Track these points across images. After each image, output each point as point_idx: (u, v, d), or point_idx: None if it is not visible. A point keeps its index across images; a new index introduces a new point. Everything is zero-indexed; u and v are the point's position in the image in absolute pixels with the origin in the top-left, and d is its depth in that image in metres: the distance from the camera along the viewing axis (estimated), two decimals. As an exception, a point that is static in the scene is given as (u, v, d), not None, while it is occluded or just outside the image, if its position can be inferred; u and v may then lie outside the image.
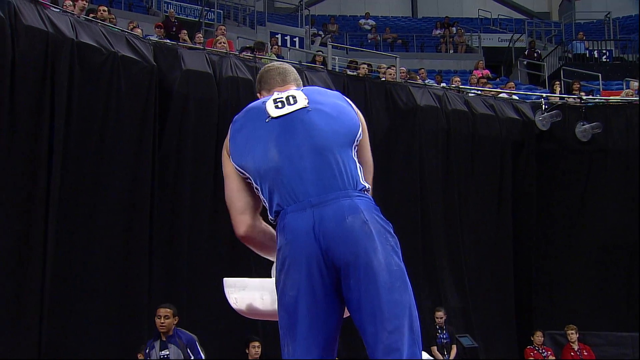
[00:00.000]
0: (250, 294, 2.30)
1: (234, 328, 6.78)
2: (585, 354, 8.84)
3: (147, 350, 5.25)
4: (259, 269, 7.07)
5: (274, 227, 2.03)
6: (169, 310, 5.24)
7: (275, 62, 2.46)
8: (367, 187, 2.00)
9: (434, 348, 8.09)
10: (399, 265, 1.90)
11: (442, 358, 8.08)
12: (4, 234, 5.98)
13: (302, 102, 2.03)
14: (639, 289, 9.39)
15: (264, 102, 2.08)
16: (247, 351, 6.76)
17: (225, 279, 2.37)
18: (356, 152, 2.04)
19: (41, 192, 6.19)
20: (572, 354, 8.81)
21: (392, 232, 1.95)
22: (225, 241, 7.15)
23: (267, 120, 2.02)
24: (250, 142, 2.01)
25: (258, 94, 2.26)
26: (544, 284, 9.79)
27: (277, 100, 2.06)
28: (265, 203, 2.02)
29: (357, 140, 2.04)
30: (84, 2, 7.73)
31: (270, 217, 2.02)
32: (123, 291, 6.74)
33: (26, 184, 6.17)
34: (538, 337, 8.84)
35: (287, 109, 2.02)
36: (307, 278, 1.88)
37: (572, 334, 8.80)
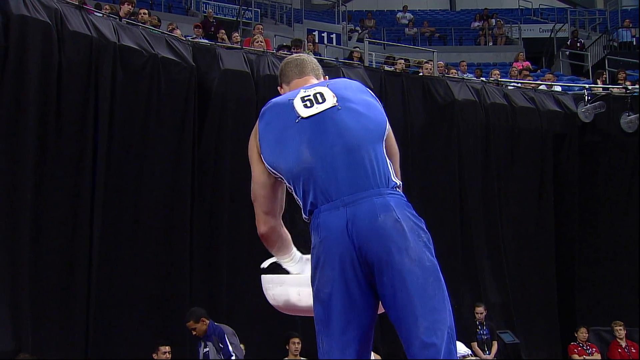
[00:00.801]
0: (288, 290, 2.35)
1: (274, 325, 6.87)
2: (634, 351, 8.63)
3: (198, 349, 5.68)
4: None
5: (302, 233, 2.08)
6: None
7: (295, 55, 2.46)
8: (398, 184, 2.02)
9: (474, 344, 8.03)
10: (432, 260, 1.92)
11: (482, 354, 8.02)
12: (51, 234, 6.21)
13: (330, 100, 2.05)
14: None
15: (291, 100, 2.08)
16: (287, 347, 6.86)
17: (263, 276, 2.43)
18: (385, 146, 2.06)
19: (86, 193, 6.40)
20: (619, 350, 8.62)
21: (424, 228, 1.97)
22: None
23: (297, 121, 2.03)
24: (281, 142, 2.04)
25: (279, 88, 2.29)
26: (587, 279, 9.59)
27: (305, 98, 2.06)
28: (299, 202, 2.06)
29: (386, 134, 2.06)
30: (130, 5, 7.92)
31: (304, 215, 2.06)
32: (165, 290, 6.91)
33: (72, 185, 6.39)
34: (582, 333, 8.67)
35: (317, 109, 2.03)
36: (341, 275, 1.92)
37: (619, 330, 8.60)
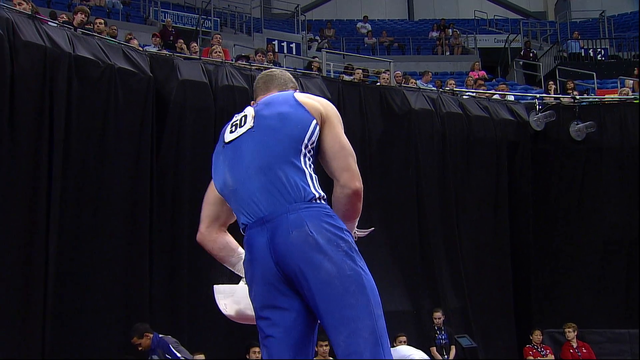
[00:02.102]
0: (238, 300, 2.40)
1: (235, 332, 6.87)
2: (584, 351, 8.92)
3: None
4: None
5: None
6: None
7: (268, 70, 2.51)
8: (317, 195, 2.04)
9: (433, 349, 8.18)
10: (354, 269, 1.95)
11: (441, 359, 8.16)
12: (6, 245, 6.08)
13: (249, 122, 2.15)
14: (637, 286, 9.46)
15: (228, 124, 2.26)
16: (247, 357, 6.86)
17: (215, 286, 2.48)
18: (311, 152, 2.08)
19: (42, 204, 6.29)
20: (571, 351, 8.89)
21: (344, 236, 1.99)
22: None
23: (223, 147, 2.20)
24: (215, 167, 2.23)
25: (251, 103, 2.35)
26: (543, 283, 9.87)
27: (234, 123, 2.22)
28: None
29: (308, 140, 2.07)
30: (83, 15, 7.84)
31: (242, 232, 2.17)
32: (125, 300, 6.84)
33: (27, 196, 6.27)
34: (537, 335, 8.93)
35: (237, 133, 2.16)
36: (268, 290, 2.02)
37: (570, 332, 8.88)
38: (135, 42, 8.60)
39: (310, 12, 20.48)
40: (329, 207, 2.06)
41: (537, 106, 10.14)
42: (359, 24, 19.55)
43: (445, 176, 9.36)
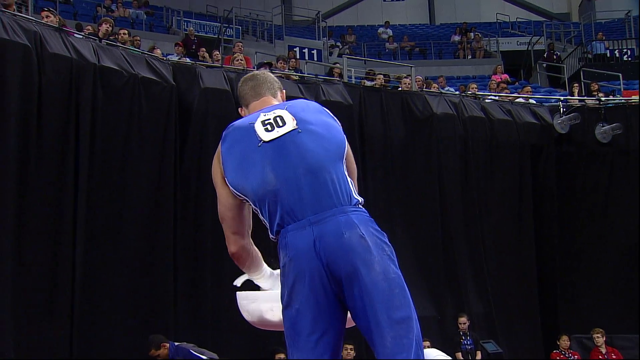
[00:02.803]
0: (262, 306, 2.42)
1: (259, 338, 6.90)
2: (614, 357, 8.76)
3: None
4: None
5: (275, 245, 2.14)
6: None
7: (249, 74, 2.43)
8: (360, 200, 2.11)
9: (458, 354, 8.11)
10: (397, 272, 2.03)
11: (466, 364, 8.09)
12: (34, 250, 6.21)
13: (290, 123, 2.11)
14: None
15: (252, 124, 2.14)
16: (272, 362, 6.88)
17: (238, 293, 2.50)
18: (345, 164, 2.14)
19: (69, 210, 6.42)
20: (600, 357, 8.74)
21: (387, 242, 2.07)
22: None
23: (259, 145, 2.09)
24: (245, 166, 2.09)
25: (240, 109, 2.35)
26: (569, 287, 9.73)
27: (266, 122, 2.13)
28: (265, 223, 2.13)
29: (345, 153, 2.15)
30: (107, 25, 7.99)
31: (271, 236, 2.13)
32: (149, 312, 6.91)
33: (54, 203, 6.41)
34: (564, 341, 8.79)
35: (278, 132, 2.10)
36: (311, 291, 2.00)
37: (598, 337, 8.73)
38: (159, 51, 8.73)
39: (331, 18, 20.55)
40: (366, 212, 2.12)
41: (561, 109, 10.02)
42: (380, 29, 19.55)
43: (468, 181, 9.30)
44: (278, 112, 2.16)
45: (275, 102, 2.29)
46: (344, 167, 2.12)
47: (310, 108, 2.22)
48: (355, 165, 2.25)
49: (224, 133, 2.19)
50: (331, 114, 2.24)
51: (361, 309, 1.97)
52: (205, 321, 7.19)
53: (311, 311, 2.00)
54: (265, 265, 2.38)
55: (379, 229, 2.08)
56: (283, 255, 2.06)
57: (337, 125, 2.20)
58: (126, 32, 8.53)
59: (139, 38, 9.51)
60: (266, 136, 2.10)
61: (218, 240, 7.73)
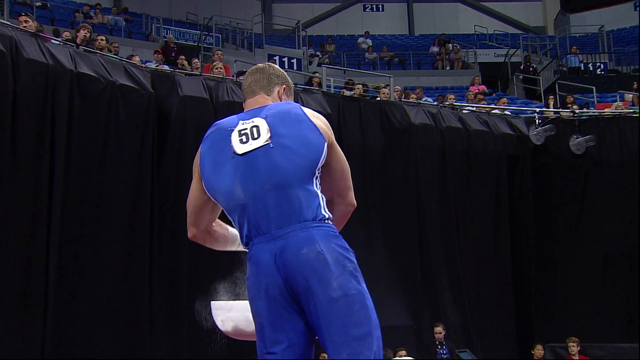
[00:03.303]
0: (236, 316, 2.42)
1: (235, 346, 6.86)
2: (586, 366, 8.88)
3: None
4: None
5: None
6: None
7: (252, 68, 2.42)
8: (326, 216, 2.10)
9: (435, 364, 8.15)
10: (358, 289, 2.00)
11: (442, 374, 8.13)
12: (8, 261, 6.13)
13: (264, 136, 2.11)
14: (638, 299, 9.43)
15: (231, 130, 2.16)
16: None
17: (212, 302, 2.50)
18: (320, 174, 2.12)
19: (43, 219, 6.34)
20: (573, 366, 8.85)
21: (351, 258, 2.05)
22: (225, 261, 7.26)
23: (232, 157, 2.12)
24: (218, 174, 2.13)
25: (244, 103, 2.35)
26: (544, 297, 9.84)
27: (242, 132, 2.14)
28: (237, 231, 2.19)
29: (321, 163, 2.12)
30: (86, 32, 7.94)
31: (242, 245, 2.17)
32: (126, 320, 6.84)
33: (29, 211, 6.33)
34: (538, 350, 8.88)
35: (251, 145, 2.11)
36: (271, 305, 2.03)
37: (573, 346, 8.84)
38: (137, 58, 8.69)
39: (311, 27, 20.63)
40: (335, 228, 2.11)
41: (537, 120, 10.18)
42: (360, 39, 19.68)
43: (446, 190, 9.38)
44: (256, 121, 2.15)
45: (267, 101, 2.27)
46: (316, 183, 2.11)
47: (291, 117, 2.17)
48: (343, 165, 2.20)
49: (208, 131, 2.22)
50: (314, 120, 2.17)
51: (317, 325, 1.99)
52: (182, 332, 7.13)
53: (272, 325, 2.03)
54: (236, 236, 2.36)
55: (344, 245, 2.07)
56: (248, 267, 2.11)
57: (315, 135, 2.14)
58: (104, 38, 8.48)
59: (117, 45, 9.45)
60: (239, 149, 2.12)
61: (195, 246, 7.69)
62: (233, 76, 9.31)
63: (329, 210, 2.13)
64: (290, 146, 2.10)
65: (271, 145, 2.10)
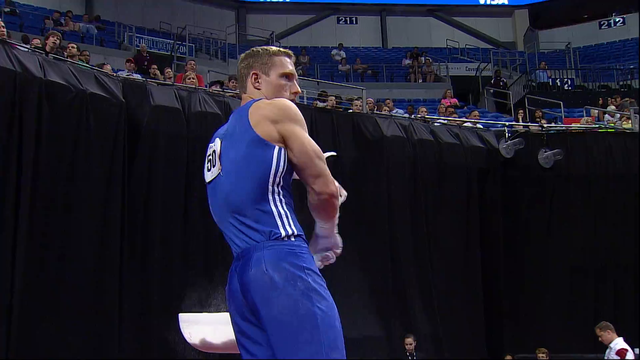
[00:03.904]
0: (203, 328, 2.42)
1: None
2: (555, 376, 8.99)
3: None
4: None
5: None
6: None
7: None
8: (283, 234, 2.06)
9: (405, 375, 8.17)
10: (309, 309, 1.96)
11: (413, 385, 8.15)
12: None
13: (217, 165, 2.17)
14: (607, 310, 9.60)
15: (210, 146, 2.24)
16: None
17: (180, 315, 2.50)
18: (281, 183, 2.10)
19: (10, 229, 6.21)
20: (542, 376, 8.94)
21: (304, 277, 2.01)
22: (197, 273, 7.21)
23: (206, 182, 2.26)
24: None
25: None
26: (513, 307, 9.96)
27: (208, 158, 2.24)
28: None
29: (275, 174, 2.08)
30: (55, 39, 7.83)
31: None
32: (94, 330, 6.72)
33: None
34: (508, 360, 8.98)
35: (211, 174, 2.21)
36: (242, 321, 2.10)
37: (542, 356, 8.93)
38: (109, 67, 8.61)
39: (285, 38, 20.71)
40: (298, 244, 2.08)
41: (507, 134, 10.35)
42: (334, 51, 19.81)
43: (417, 202, 9.46)
44: (216, 144, 2.21)
45: (246, 100, 2.24)
46: (275, 194, 2.09)
47: (238, 131, 2.15)
48: (306, 155, 2.11)
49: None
50: (257, 126, 2.09)
51: (268, 342, 2.00)
52: (153, 341, 7.02)
53: (242, 341, 2.10)
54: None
55: (299, 263, 2.03)
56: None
57: (260, 150, 2.08)
58: (75, 46, 8.39)
59: (87, 53, 9.36)
60: (207, 176, 2.24)
61: (166, 256, 7.67)
62: (206, 86, 9.28)
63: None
64: (237, 171, 2.12)
65: (221, 175, 2.15)
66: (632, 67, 16.89)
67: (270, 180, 2.09)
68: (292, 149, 2.10)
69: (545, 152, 10.05)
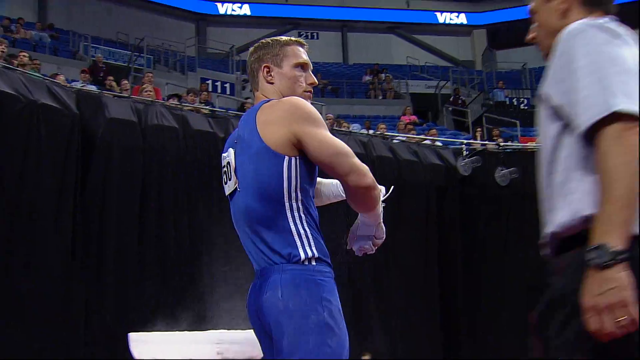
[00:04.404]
0: (153, 348, 2.40)
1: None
2: (511, 393, 9.04)
3: None
4: (187, 317, 6.96)
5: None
6: None
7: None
8: (302, 257, 1.95)
9: (363, 394, 8.09)
10: (318, 345, 1.87)
11: (371, 404, 8.07)
12: None
13: (233, 178, 2.06)
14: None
15: (224, 156, 2.14)
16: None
17: (130, 334, 2.46)
18: (298, 195, 1.97)
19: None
20: (498, 394, 8.99)
21: (318, 309, 1.91)
22: (151, 289, 7.04)
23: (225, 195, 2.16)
24: None
25: None
26: (471, 325, 10.00)
27: (223, 170, 2.13)
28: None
29: (289, 187, 1.96)
30: (3, 47, 7.58)
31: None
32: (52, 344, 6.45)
33: None
34: (465, 378, 8.99)
35: (229, 188, 2.09)
36: (258, 334, 2.09)
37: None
38: (62, 77, 8.36)
39: (245, 52, 20.53)
40: (319, 269, 1.97)
41: (464, 152, 10.46)
42: (295, 66, 19.77)
43: (376, 219, 9.42)
44: (230, 154, 2.08)
45: (259, 99, 2.13)
46: (293, 210, 1.96)
47: (246, 140, 2.03)
48: (329, 153, 1.95)
49: None
50: (266, 136, 1.97)
51: None
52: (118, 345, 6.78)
53: (265, 354, 2.06)
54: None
55: (315, 292, 1.93)
56: None
57: (270, 162, 1.95)
58: (26, 54, 8.12)
59: (39, 62, 9.07)
60: (225, 189, 2.12)
61: (121, 279, 7.43)
62: (164, 99, 9.11)
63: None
64: (251, 186, 2.00)
65: (238, 190, 2.03)
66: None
67: (285, 196, 1.96)
68: (310, 151, 1.95)
69: (502, 170, 10.18)
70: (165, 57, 16.39)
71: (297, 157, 1.96)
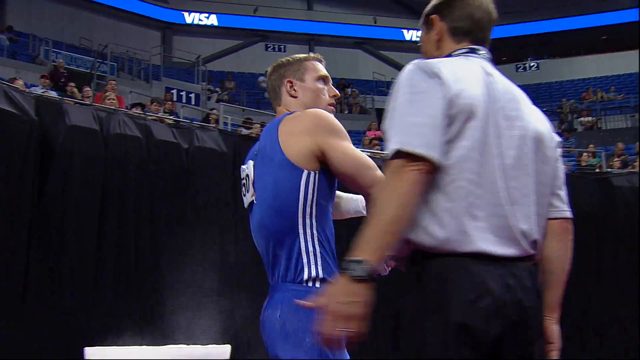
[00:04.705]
0: None
1: None
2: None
3: None
4: (147, 329, 6.79)
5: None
6: None
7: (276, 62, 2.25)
8: (306, 277, 1.90)
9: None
10: None
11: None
12: None
13: (251, 190, 2.05)
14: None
15: (243, 168, 2.15)
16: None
17: (86, 349, 2.38)
18: (313, 210, 1.92)
19: None
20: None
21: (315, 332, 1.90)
22: (110, 299, 6.85)
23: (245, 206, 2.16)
24: None
25: None
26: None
27: (242, 182, 2.15)
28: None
29: (305, 201, 1.92)
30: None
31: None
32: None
33: None
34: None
35: (247, 199, 2.09)
36: (266, 342, 2.04)
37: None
38: (21, 82, 8.12)
39: (211, 63, 20.47)
40: (320, 291, 1.88)
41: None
42: (261, 78, 19.75)
43: (344, 231, 9.41)
44: (249, 166, 2.07)
45: (281, 112, 2.11)
46: (306, 227, 1.91)
47: (267, 151, 1.99)
48: (354, 164, 1.92)
49: None
50: (287, 148, 1.94)
51: None
52: None
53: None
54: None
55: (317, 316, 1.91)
56: None
57: (288, 176, 1.92)
58: (-16, 58, 7.85)
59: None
60: (244, 201, 2.12)
61: (79, 277, 7.19)
62: (127, 108, 8.94)
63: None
64: (268, 200, 1.97)
65: (255, 202, 2.02)
66: (544, 109, 17.81)
67: (300, 210, 1.91)
68: (334, 163, 1.92)
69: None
70: (129, 64, 16.14)
71: (317, 172, 1.94)
